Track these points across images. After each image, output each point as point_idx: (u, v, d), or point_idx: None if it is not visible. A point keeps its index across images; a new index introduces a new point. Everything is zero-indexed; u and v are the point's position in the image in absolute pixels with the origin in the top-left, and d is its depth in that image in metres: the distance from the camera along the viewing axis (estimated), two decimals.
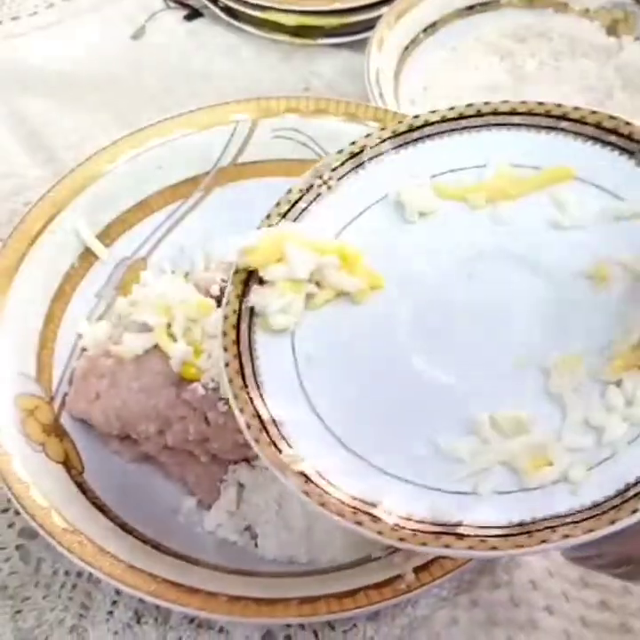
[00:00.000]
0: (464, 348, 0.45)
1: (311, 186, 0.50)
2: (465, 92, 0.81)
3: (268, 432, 0.42)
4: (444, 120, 0.51)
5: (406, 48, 0.83)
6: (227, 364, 0.45)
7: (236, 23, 0.90)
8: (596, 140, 0.49)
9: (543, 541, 0.37)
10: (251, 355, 0.45)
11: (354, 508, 0.40)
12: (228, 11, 0.90)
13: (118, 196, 0.65)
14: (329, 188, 0.50)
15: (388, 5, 0.83)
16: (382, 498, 0.40)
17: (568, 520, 0.38)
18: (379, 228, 0.49)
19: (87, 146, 0.78)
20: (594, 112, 0.50)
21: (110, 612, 0.55)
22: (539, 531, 0.38)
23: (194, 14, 0.93)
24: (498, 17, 0.85)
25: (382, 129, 0.52)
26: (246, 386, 0.44)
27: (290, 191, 0.50)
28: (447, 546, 0.38)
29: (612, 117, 0.49)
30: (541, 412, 0.42)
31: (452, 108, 0.52)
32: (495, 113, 0.52)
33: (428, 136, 0.51)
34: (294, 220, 0.49)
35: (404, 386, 0.44)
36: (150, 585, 0.48)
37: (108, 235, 0.64)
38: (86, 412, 0.58)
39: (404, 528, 0.39)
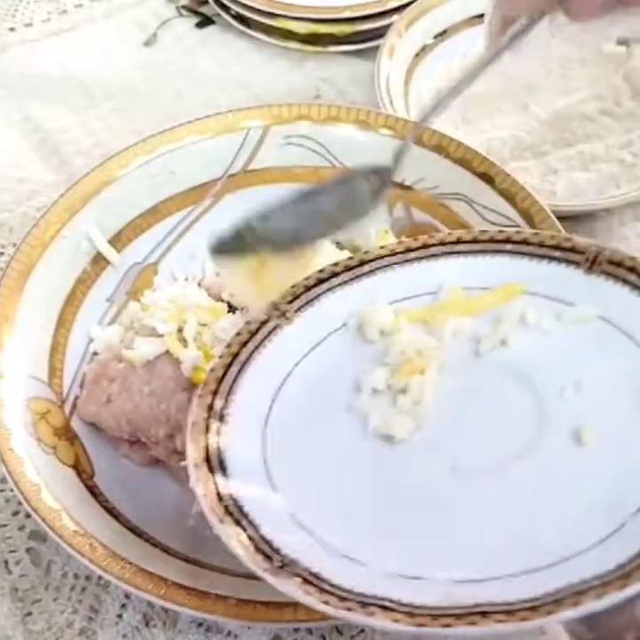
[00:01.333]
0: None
1: (269, 318, 0.51)
2: (474, 100, 0.81)
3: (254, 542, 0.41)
4: (393, 253, 0.54)
5: (416, 56, 0.84)
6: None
7: (247, 31, 0.90)
8: (541, 257, 0.52)
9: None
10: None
11: (360, 602, 0.38)
12: (240, 18, 0.90)
13: (130, 201, 0.65)
14: (287, 319, 0.52)
15: (399, 14, 0.84)
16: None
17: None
18: (340, 353, 0.51)
19: (99, 151, 0.80)
20: (535, 233, 0.53)
21: (119, 616, 0.55)
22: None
23: (205, 22, 0.93)
24: None
25: (334, 264, 0.54)
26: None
27: (249, 323, 0.51)
28: (473, 623, 0.36)
29: (552, 236, 0.53)
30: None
31: (400, 242, 0.55)
32: (442, 243, 0.54)
33: (380, 268, 0.54)
34: (255, 348, 0.50)
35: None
36: (160, 588, 0.48)
37: (119, 240, 0.65)
38: (97, 416, 0.58)
39: (419, 614, 0.37)
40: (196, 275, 0.67)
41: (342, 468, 0.46)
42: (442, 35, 0.85)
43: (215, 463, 0.44)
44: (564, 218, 0.62)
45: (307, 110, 0.68)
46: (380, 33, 0.84)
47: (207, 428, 0.46)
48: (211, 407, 0.47)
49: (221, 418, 0.47)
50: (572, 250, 0.51)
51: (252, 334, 0.51)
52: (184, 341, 0.57)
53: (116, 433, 0.58)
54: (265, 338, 0.51)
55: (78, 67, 0.88)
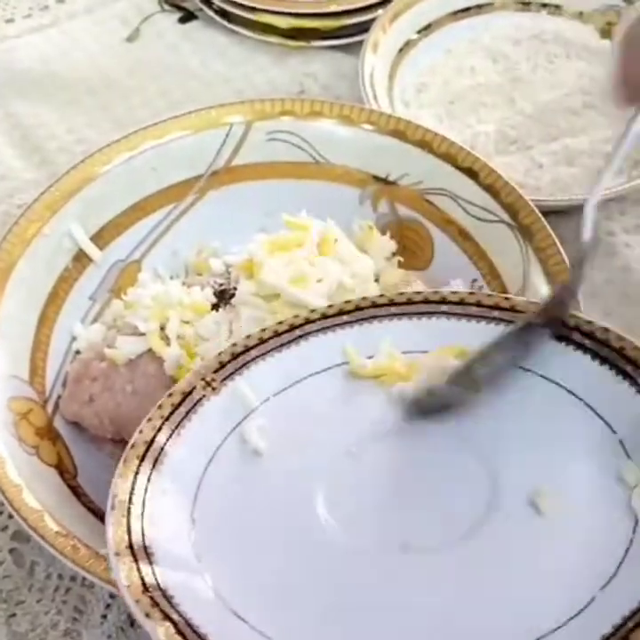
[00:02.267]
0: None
1: (194, 388, 0.48)
2: (459, 94, 0.81)
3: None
4: (324, 316, 0.52)
5: (400, 50, 0.83)
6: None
7: (230, 26, 0.89)
8: (480, 317, 0.50)
9: None
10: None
11: None
12: (222, 13, 0.89)
13: (112, 198, 0.65)
14: (213, 389, 0.49)
15: (383, 8, 0.83)
16: None
17: None
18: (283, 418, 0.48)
19: (81, 148, 0.79)
20: (471, 293, 0.51)
21: (104, 616, 0.55)
22: None
23: (188, 17, 0.92)
24: (492, 19, 0.85)
25: (263, 329, 0.51)
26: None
27: (171, 394, 0.48)
28: None
29: (489, 295, 0.51)
30: None
31: (330, 306, 0.52)
32: (374, 305, 0.52)
33: (309, 333, 0.51)
34: (180, 420, 0.47)
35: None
36: None
37: (101, 237, 0.64)
38: (79, 415, 0.58)
39: None
40: (179, 272, 0.67)
41: (279, 549, 0.42)
42: (426, 29, 0.85)
43: (139, 550, 0.40)
44: (548, 212, 0.62)
45: (290, 105, 0.68)
46: (364, 28, 0.84)
47: (129, 510, 0.42)
48: (134, 483, 0.43)
49: (145, 496, 0.43)
50: (513, 309, 0.49)
51: (176, 407, 0.47)
52: (167, 339, 0.57)
53: (100, 432, 0.58)
54: (189, 410, 0.47)
55: (60, 63, 0.87)
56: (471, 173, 0.64)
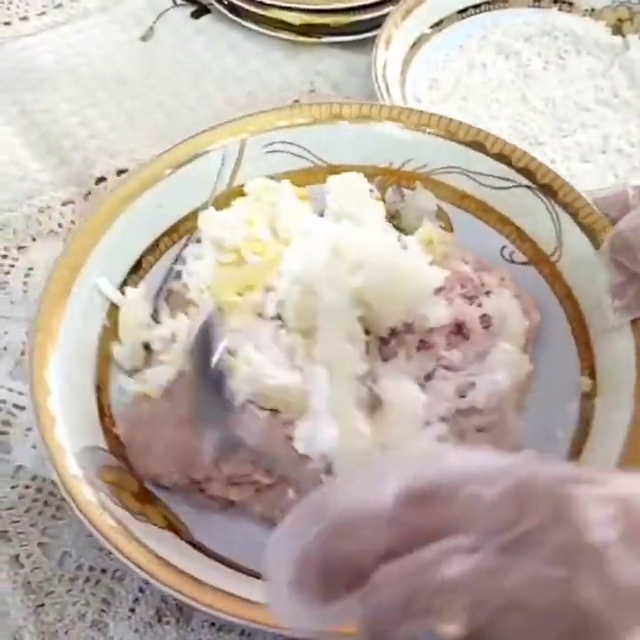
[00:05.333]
0: None
1: None
2: (471, 90, 0.81)
3: None
4: None
5: (413, 46, 0.83)
6: None
7: (240, 21, 0.89)
8: None
9: None
10: None
11: None
12: (233, 9, 0.89)
13: (128, 244, 0.62)
14: None
15: (394, 4, 0.84)
16: None
17: None
18: None
19: (95, 143, 0.79)
20: None
21: (132, 610, 0.55)
22: None
23: (201, 11, 0.92)
24: (503, 16, 0.86)
25: None
26: None
27: None
28: None
29: None
30: None
31: None
32: None
33: None
34: None
35: None
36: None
37: (126, 285, 0.62)
38: (149, 471, 0.55)
39: None
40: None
41: None
42: (438, 25, 0.85)
43: None
44: None
45: (276, 116, 0.66)
46: (375, 23, 0.84)
47: None
48: None
49: None
50: None
51: None
52: None
53: (172, 479, 0.54)
54: None
55: (75, 60, 0.87)
56: (477, 146, 0.64)
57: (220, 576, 0.49)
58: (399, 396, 0.54)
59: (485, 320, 0.58)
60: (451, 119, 0.65)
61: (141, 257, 0.63)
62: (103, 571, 0.56)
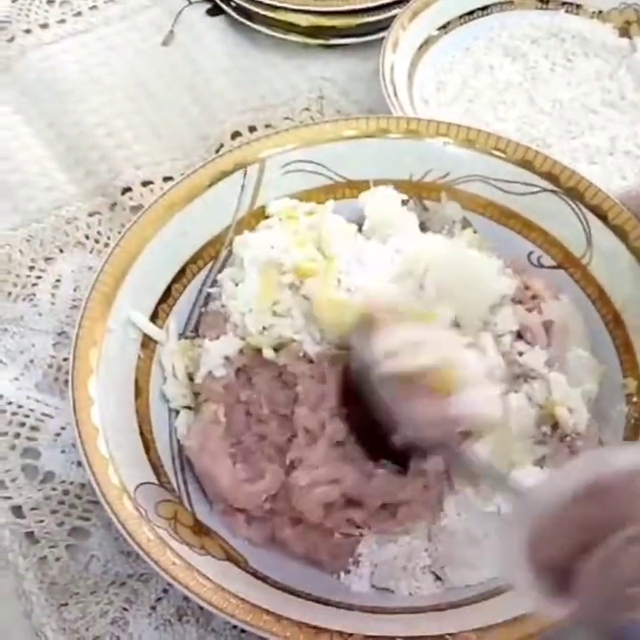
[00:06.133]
0: None
1: None
2: (478, 92, 0.82)
3: None
4: None
5: (420, 48, 0.84)
6: None
7: (249, 23, 0.89)
8: None
9: None
10: None
11: None
12: (242, 11, 0.89)
13: (156, 274, 0.62)
14: None
15: (402, 6, 0.84)
16: None
17: None
18: None
19: (122, 153, 0.79)
20: None
21: (153, 608, 0.55)
22: None
23: (216, 9, 0.91)
24: (510, 18, 0.86)
25: None
26: None
27: None
28: None
29: None
30: None
31: None
32: None
33: None
34: None
35: None
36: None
37: (157, 316, 0.62)
38: (234, 495, 0.55)
39: None
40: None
41: None
42: (445, 27, 0.85)
43: None
44: None
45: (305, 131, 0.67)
46: (382, 26, 0.84)
47: None
48: None
49: None
50: None
51: None
52: None
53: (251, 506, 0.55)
54: None
55: (99, 70, 0.87)
56: (498, 153, 0.65)
57: (289, 605, 0.50)
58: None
59: (547, 325, 0.58)
60: (469, 128, 0.66)
61: (170, 285, 0.63)
62: (129, 575, 0.57)
